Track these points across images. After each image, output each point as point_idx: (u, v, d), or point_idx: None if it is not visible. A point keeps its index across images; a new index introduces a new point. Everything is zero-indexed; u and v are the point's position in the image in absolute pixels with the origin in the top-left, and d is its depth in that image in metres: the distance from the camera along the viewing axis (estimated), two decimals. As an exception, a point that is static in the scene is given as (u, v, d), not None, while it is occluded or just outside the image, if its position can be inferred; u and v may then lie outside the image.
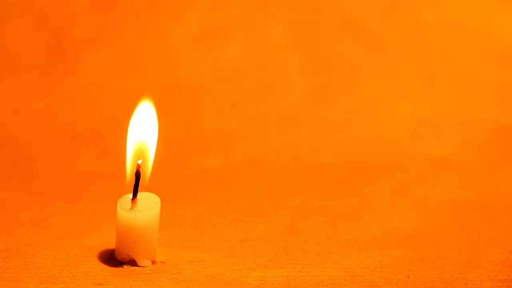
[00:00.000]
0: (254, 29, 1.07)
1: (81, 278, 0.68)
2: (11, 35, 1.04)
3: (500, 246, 0.76)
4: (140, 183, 0.70)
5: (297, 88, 1.04)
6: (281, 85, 1.05)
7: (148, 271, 0.70)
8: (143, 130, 0.72)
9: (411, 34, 1.06)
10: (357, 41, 1.06)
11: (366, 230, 0.79)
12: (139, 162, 0.70)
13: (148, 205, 0.70)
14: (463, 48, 1.06)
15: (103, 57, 1.04)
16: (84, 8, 1.06)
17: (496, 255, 0.74)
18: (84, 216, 0.80)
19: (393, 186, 0.90)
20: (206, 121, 1.01)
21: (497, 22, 1.06)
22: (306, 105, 1.03)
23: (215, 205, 0.85)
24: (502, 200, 0.87)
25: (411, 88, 1.04)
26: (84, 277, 0.68)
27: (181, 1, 1.07)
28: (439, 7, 1.07)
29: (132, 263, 0.70)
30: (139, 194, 0.70)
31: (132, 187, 0.70)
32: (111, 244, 0.73)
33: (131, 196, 0.70)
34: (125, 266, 0.70)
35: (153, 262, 0.71)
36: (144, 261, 0.70)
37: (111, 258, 0.71)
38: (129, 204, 0.70)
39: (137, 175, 0.70)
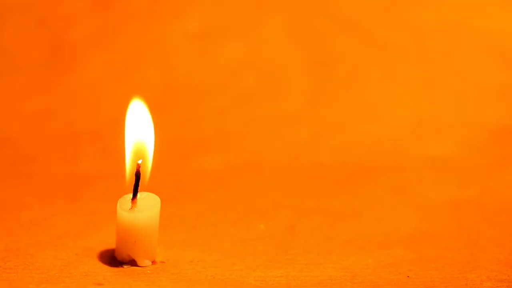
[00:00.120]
0: (254, 29, 1.07)
1: (81, 278, 0.68)
2: (11, 35, 1.04)
3: (500, 246, 0.76)
4: (140, 183, 0.70)
5: (297, 88, 1.04)
6: (281, 85, 1.05)
7: (148, 271, 0.70)
8: (139, 130, 0.72)
9: (411, 34, 1.06)
10: (357, 41, 1.06)
11: (366, 230, 0.79)
12: (139, 162, 0.70)
13: (148, 205, 0.70)
14: (463, 48, 1.06)
15: (103, 57, 1.04)
16: (84, 8, 1.06)
17: (496, 255, 0.74)
18: (84, 216, 0.80)
19: (393, 186, 0.90)
20: (206, 121, 1.01)
21: (497, 22, 1.07)
22: (306, 105, 1.03)
23: (215, 205, 0.85)
24: (502, 200, 0.87)
25: (411, 88, 1.04)
26: (84, 277, 0.68)
27: (181, 1, 1.08)
28: (439, 7, 1.07)
29: (132, 263, 0.70)
30: (139, 194, 0.70)
31: (132, 187, 0.70)
32: (111, 244, 0.73)
33: (131, 196, 0.70)
34: (125, 266, 0.70)
35: (153, 262, 0.71)
36: (144, 261, 0.70)
37: (111, 258, 0.71)
38: (129, 204, 0.70)
39: (137, 175, 0.70)
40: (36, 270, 0.69)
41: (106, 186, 0.88)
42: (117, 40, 1.05)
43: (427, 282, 0.70)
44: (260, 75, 1.05)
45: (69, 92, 1.02)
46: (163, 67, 1.05)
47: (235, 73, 1.05)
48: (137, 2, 1.07)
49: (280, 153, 0.97)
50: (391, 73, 1.05)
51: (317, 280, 0.69)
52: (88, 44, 1.04)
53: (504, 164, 0.95)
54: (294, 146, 0.98)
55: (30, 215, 0.80)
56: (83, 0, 1.06)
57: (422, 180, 0.92)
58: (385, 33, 1.06)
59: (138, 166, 0.70)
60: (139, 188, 0.70)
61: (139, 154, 0.71)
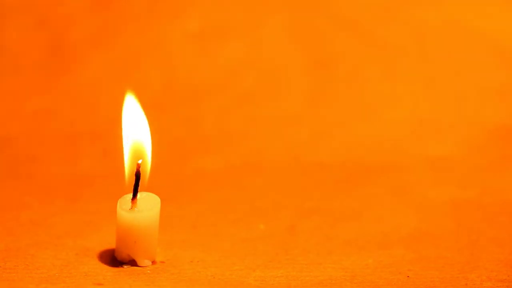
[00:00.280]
0: (254, 29, 1.07)
1: (81, 278, 0.68)
2: (11, 35, 1.04)
3: (500, 246, 0.76)
4: (140, 183, 0.70)
5: (297, 88, 1.04)
6: (281, 85, 1.05)
7: (148, 271, 0.70)
8: (136, 130, 0.72)
9: (411, 34, 1.06)
10: (357, 41, 1.06)
11: (366, 230, 0.79)
12: (139, 162, 0.70)
13: (148, 205, 0.70)
14: (463, 48, 1.06)
15: (103, 57, 1.04)
16: (84, 8, 1.06)
17: (496, 255, 0.74)
18: (84, 216, 0.80)
19: (393, 186, 0.90)
20: (206, 121, 1.01)
21: (497, 22, 1.07)
22: (306, 105, 1.03)
23: (215, 205, 0.85)
24: (502, 200, 0.87)
25: (411, 88, 1.04)
26: (84, 277, 0.68)
27: (181, 1, 1.08)
28: (439, 7, 1.07)
29: (132, 263, 0.70)
30: (139, 194, 0.70)
31: (132, 187, 0.70)
32: (111, 244, 0.73)
33: (131, 196, 0.70)
34: (125, 266, 0.70)
35: (153, 262, 0.71)
36: (144, 261, 0.70)
37: (111, 258, 0.71)
38: (129, 204, 0.70)
39: (137, 175, 0.70)
40: (36, 270, 0.69)
41: (106, 186, 0.88)
42: (117, 40, 1.05)
43: (427, 282, 0.70)
44: (260, 75, 1.05)
45: (69, 92, 1.02)
46: (163, 67, 1.05)
47: (235, 73, 1.05)
48: (137, 2, 1.07)
49: (280, 153, 0.97)
50: (391, 73, 1.05)
51: (317, 280, 0.69)
52: (88, 44, 1.04)
53: (504, 164, 0.95)
54: (294, 146, 0.98)
55: (30, 215, 0.80)
56: (83, 0, 1.06)
57: (422, 180, 0.92)
58: (385, 33, 1.06)
59: (138, 166, 0.70)
60: (139, 188, 0.70)
61: (137, 154, 0.71)
